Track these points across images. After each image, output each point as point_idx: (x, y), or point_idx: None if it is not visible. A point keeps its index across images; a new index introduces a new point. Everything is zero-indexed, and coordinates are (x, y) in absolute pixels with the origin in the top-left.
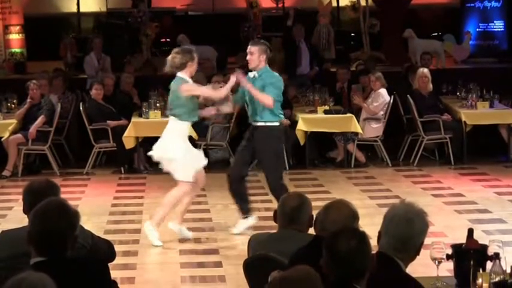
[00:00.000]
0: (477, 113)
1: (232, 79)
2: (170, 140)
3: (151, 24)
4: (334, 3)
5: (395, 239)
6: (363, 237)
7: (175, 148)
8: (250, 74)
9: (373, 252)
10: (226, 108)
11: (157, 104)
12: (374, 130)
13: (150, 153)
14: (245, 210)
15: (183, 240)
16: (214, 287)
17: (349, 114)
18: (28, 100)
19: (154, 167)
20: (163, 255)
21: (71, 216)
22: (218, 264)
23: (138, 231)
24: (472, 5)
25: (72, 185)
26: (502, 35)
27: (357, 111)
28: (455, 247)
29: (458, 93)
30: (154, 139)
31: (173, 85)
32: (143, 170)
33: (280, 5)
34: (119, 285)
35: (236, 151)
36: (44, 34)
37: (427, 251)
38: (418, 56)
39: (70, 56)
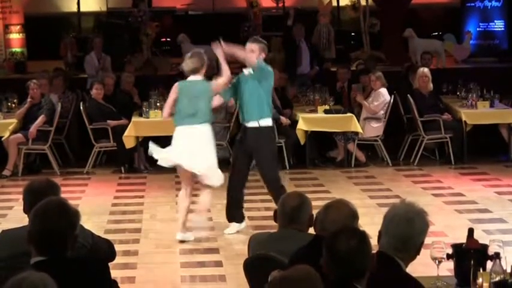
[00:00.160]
0: (477, 113)
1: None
2: (207, 147)
3: (152, 24)
4: (335, 3)
5: (396, 238)
6: (363, 236)
7: (213, 154)
8: (245, 71)
9: (373, 251)
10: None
11: (158, 104)
12: (374, 130)
13: (191, 167)
14: (237, 217)
15: (183, 240)
16: (214, 287)
17: (349, 114)
18: (28, 100)
19: (154, 166)
20: (163, 255)
21: (71, 215)
22: (218, 264)
23: (138, 230)
24: (473, 4)
25: (73, 184)
26: (503, 35)
27: (357, 111)
28: (456, 247)
29: (458, 93)
30: (155, 139)
31: (202, 90)
32: (143, 170)
33: (280, 5)
34: (119, 284)
35: (232, 156)
36: (44, 34)
37: (428, 251)
38: (419, 56)
39: (70, 56)
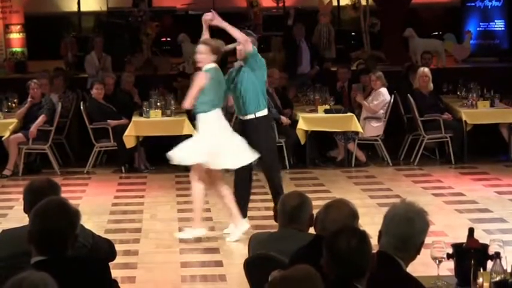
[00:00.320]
0: (478, 112)
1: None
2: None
3: (152, 24)
4: (335, 3)
5: (396, 238)
6: (364, 236)
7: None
8: (237, 64)
9: (374, 251)
10: None
11: (158, 103)
12: (374, 129)
13: (251, 159)
14: (244, 213)
15: (183, 239)
16: (215, 286)
17: (349, 114)
18: (29, 99)
19: (154, 166)
20: (163, 255)
21: (71, 215)
22: (219, 264)
23: (138, 230)
24: (473, 4)
25: (73, 184)
26: (503, 34)
27: (357, 111)
28: (456, 246)
29: (458, 93)
30: (155, 138)
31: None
32: (144, 169)
33: (280, 4)
34: (119, 284)
35: None
36: (45, 33)
37: (428, 250)
38: (419, 55)
39: (71, 55)
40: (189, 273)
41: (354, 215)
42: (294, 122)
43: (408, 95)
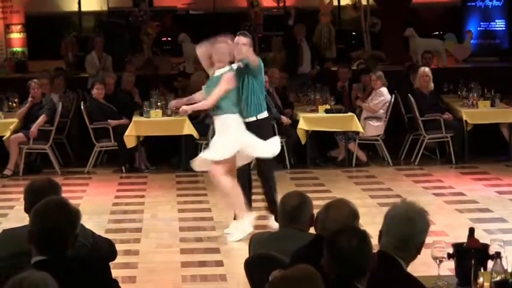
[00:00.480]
0: (478, 112)
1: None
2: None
3: (152, 23)
4: (335, 2)
5: (396, 238)
6: (364, 236)
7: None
8: (234, 66)
9: (374, 251)
10: None
11: (159, 103)
12: (375, 129)
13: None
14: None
15: (184, 239)
16: (215, 286)
17: (350, 113)
18: (29, 99)
19: (155, 166)
20: (164, 254)
21: (71, 214)
22: (219, 263)
23: (139, 230)
24: (473, 4)
25: (73, 184)
26: (503, 34)
27: (358, 111)
28: (457, 246)
29: (459, 92)
30: (155, 138)
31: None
32: (144, 169)
33: (281, 4)
34: (120, 284)
35: None
36: (45, 33)
37: (428, 250)
38: (419, 55)
39: (71, 55)
40: (189, 273)
41: (354, 215)
42: (295, 122)
43: (409, 94)
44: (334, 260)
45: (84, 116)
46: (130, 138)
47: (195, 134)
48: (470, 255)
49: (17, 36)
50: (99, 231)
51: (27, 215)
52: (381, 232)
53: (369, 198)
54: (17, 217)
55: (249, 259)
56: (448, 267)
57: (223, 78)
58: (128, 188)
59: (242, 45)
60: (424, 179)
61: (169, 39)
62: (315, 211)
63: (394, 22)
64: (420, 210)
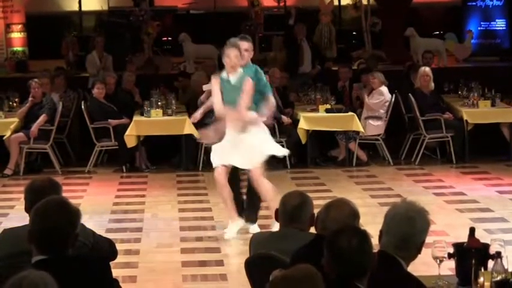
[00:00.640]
0: (479, 112)
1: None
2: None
3: (153, 23)
4: (336, 2)
5: (397, 237)
6: (364, 235)
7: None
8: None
9: (375, 251)
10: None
11: (159, 103)
12: (375, 128)
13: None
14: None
15: (184, 239)
16: (215, 286)
17: (350, 113)
18: (30, 99)
19: (155, 165)
20: (164, 254)
21: (71, 214)
22: (220, 263)
23: (139, 229)
24: (474, 3)
25: (74, 183)
26: (504, 34)
27: (359, 111)
28: (457, 246)
29: (459, 92)
30: (156, 138)
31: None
32: (145, 169)
33: (281, 4)
34: (120, 284)
35: None
36: (46, 33)
37: (429, 250)
38: (420, 55)
39: (72, 55)
40: (190, 272)
41: (354, 215)
42: (295, 122)
43: (409, 94)
44: (335, 259)
45: (84, 115)
46: (130, 138)
47: (196, 134)
48: (471, 255)
49: (17, 35)
50: (100, 231)
51: (27, 214)
52: (381, 232)
53: (370, 197)
54: (18, 217)
55: (249, 259)
56: (449, 267)
57: (245, 87)
58: (129, 188)
59: (244, 52)
60: (425, 178)
61: (169, 38)
62: (316, 211)
63: (395, 22)
64: (420, 209)
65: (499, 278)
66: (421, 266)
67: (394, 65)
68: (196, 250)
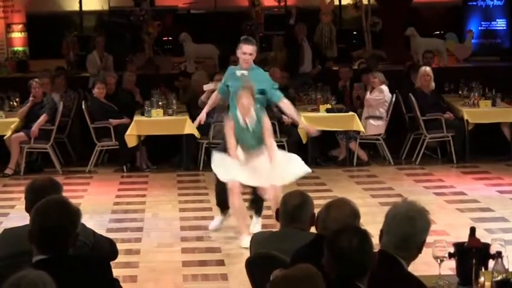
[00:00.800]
0: (479, 112)
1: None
2: None
3: (154, 23)
4: (336, 2)
5: (397, 237)
6: (365, 235)
7: None
8: (238, 73)
9: (375, 250)
10: None
11: (160, 103)
12: (376, 128)
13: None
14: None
15: (185, 238)
16: (216, 286)
17: (351, 113)
18: (30, 98)
19: (156, 165)
20: (165, 254)
21: (72, 213)
22: (220, 263)
23: (140, 229)
24: (474, 3)
25: (75, 183)
26: (505, 34)
27: (359, 111)
28: (458, 245)
29: (460, 92)
30: (157, 137)
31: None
32: (145, 169)
33: (282, 4)
34: (121, 283)
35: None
36: (47, 32)
37: (429, 250)
38: (420, 55)
39: (72, 55)
40: (190, 272)
41: (355, 214)
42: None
43: (410, 94)
44: (335, 259)
45: (85, 115)
46: (131, 138)
47: (196, 134)
48: (472, 255)
49: (18, 35)
50: (100, 231)
51: (28, 214)
52: (381, 231)
53: (370, 197)
54: (18, 216)
55: (250, 258)
56: (449, 267)
57: (266, 125)
58: (129, 188)
59: (249, 56)
60: (425, 178)
61: (170, 38)
62: (316, 210)
63: (395, 21)
64: (421, 209)
65: (499, 277)
66: (421, 265)
67: (394, 65)
68: (197, 250)
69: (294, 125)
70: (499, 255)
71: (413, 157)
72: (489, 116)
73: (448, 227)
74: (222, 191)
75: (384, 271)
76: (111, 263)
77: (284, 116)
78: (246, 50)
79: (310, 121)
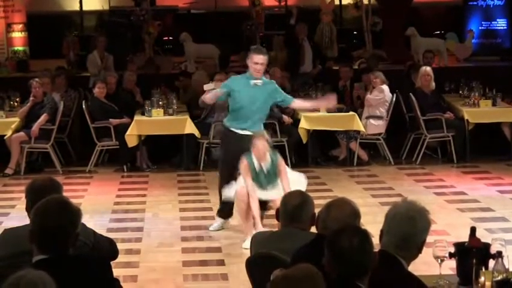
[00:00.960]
0: (480, 111)
1: None
2: None
3: (154, 23)
4: (337, 2)
5: (398, 237)
6: (365, 235)
7: None
8: (251, 82)
9: (375, 250)
10: None
11: (160, 102)
12: (376, 128)
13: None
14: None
15: (185, 238)
16: (216, 285)
17: (351, 113)
18: (31, 98)
19: (156, 165)
20: (165, 254)
21: (72, 213)
22: (220, 263)
23: (140, 229)
24: (475, 3)
25: (75, 183)
26: (505, 33)
27: (360, 110)
28: (458, 245)
29: (460, 92)
30: (157, 137)
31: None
32: (146, 168)
33: (282, 3)
34: (121, 283)
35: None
36: (47, 32)
37: (430, 249)
38: (421, 54)
39: (73, 54)
40: (191, 272)
41: (355, 214)
42: (296, 121)
43: (410, 94)
44: (335, 259)
45: (85, 115)
46: (131, 138)
47: (197, 133)
48: (472, 255)
49: (18, 35)
50: (101, 230)
51: (28, 214)
52: (382, 231)
53: (370, 197)
54: (19, 216)
55: (250, 258)
56: (450, 267)
57: (282, 168)
58: (130, 187)
59: (260, 66)
60: (426, 178)
61: (170, 38)
62: (316, 210)
63: (396, 21)
64: (421, 209)
65: (499, 277)
66: (422, 265)
67: (394, 65)
68: (197, 250)
69: (294, 125)
70: (499, 255)
71: (413, 157)
72: (489, 115)
73: (449, 227)
74: (226, 204)
75: (384, 271)
76: (112, 262)
77: (284, 116)
78: (258, 61)
79: (311, 121)
